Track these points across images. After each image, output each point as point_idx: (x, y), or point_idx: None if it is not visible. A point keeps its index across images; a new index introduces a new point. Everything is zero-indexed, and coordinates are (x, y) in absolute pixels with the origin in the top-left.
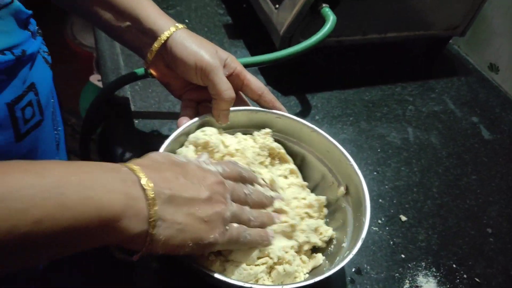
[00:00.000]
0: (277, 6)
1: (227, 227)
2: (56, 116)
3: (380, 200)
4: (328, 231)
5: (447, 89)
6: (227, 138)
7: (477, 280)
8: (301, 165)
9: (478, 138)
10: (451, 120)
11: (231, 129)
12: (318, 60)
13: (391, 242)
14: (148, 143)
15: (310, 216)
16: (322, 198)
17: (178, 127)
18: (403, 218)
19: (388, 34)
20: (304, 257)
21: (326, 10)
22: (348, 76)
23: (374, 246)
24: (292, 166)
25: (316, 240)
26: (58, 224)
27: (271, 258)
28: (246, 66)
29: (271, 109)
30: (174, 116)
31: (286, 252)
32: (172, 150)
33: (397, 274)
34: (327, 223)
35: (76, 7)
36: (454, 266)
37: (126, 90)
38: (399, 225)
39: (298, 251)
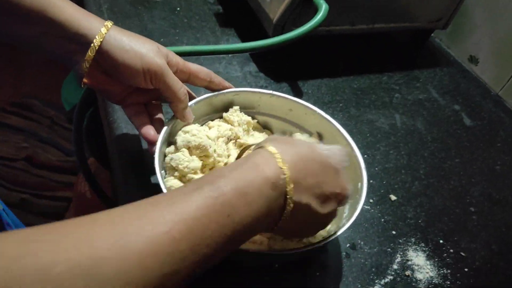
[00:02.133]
0: None
1: None
2: None
3: (371, 181)
4: None
5: (431, 79)
6: (206, 130)
7: (462, 254)
8: (271, 131)
9: (460, 124)
10: (435, 108)
11: (197, 121)
12: (309, 49)
13: (382, 220)
14: None
15: None
16: None
17: (145, 138)
18: (393, 197)
19: (376, 25)
20: None
21: None
22: (338, 64)
23: (367, 223)
24: (268, 132)
25: None
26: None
27: None
28: (238, 52)
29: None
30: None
31: None
32: (162, 151)
33: (389, 249)
34: None
35: None
36: (441, 241)
37: None
38: (389, 204)
39: None
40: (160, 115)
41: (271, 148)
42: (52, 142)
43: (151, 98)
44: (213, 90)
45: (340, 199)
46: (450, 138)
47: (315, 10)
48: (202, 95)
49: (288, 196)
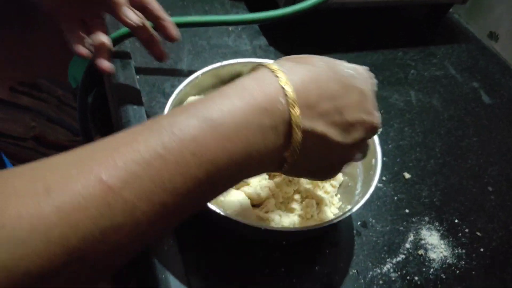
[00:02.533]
0: None
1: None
2: None
3: (384, 158)
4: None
5: (448, 55)
6: None
7: (478, 234)
8: None
9: (478, 102)
10: (452, 85)
11: (202, 93)
12: (321, 22)
13: (395, 198)
14: (151, 98)
15: None
16: None
17: (77, 53)
18: (407, 175)
19: None
20: (334, 182)
21: None
22: (350, 39)
23: (379, 201)
24: None
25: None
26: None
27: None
28: (250, 22)
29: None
30: (176, 73)
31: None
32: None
33: (402, 228)
34: None
35: None
36: (456, 221)
37: (126, 46)
38: (403, 182)
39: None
40: (100, 35)
41: (273, 66)
42: (60, 121)
43: (89, 11)
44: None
45: (368, 127)
46: (467, 116)
47: None
48: (208, 66)
49: (293, 123)
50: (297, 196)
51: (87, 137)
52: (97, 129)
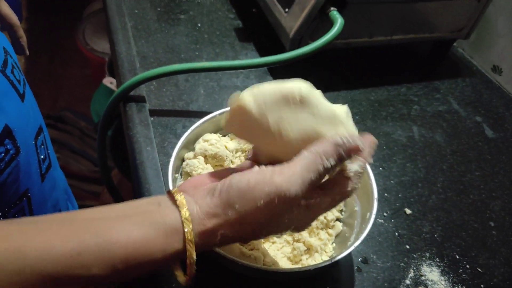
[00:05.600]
0: (286, 10)
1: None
2: (43, 143)
3: (386, 194)
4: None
5: (452, 90)
6: (227, 141)
7: (480, 270)
8: None
9: (481, 136)
10: (455, 119)
11: (222, 130)
12: (326, 62)
13: (396, 234)
14: (163, 139)
15: None
16: None
17: None
18: (408, 211)
19: (394, 36)
20: (331, 231)
21: (334, 13)
22: (355, 77)
23: (380, 237)
24: None
25: (338, 213)
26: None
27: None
28: (257, 66)
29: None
30: (187, 114)
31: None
32: (181, 155)
33: (402, 264)
34: None
35: None
36: (457, 256)
37: (142, 89)
38: (404, 218)
39: (325, 226)
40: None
41: (180, 201)
42: (82, 152)
43: None
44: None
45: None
46: (470, 151)
47: (331, 23)
48: (217, 106)
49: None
50: (289, 238)
51: (103, 170)
52: (115, 162)
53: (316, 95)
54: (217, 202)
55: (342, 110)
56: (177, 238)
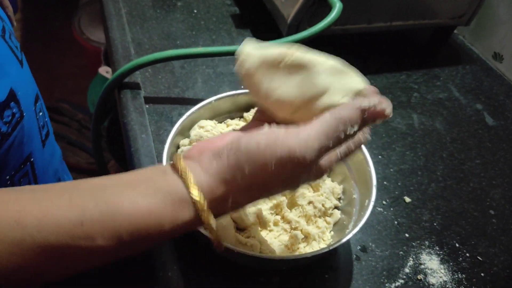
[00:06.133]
0: None
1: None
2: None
3: (385, 183)
4: (338, 189)
5: (452, 77)
6: (223, 128)
7: (480, 258)
8: None
9: (482, 124)
10: (456, 107)
11: (218, 117)
12: (324, 48)
13: (396, 222)
14: (159, 126)
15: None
16: None
17: None
18: (407, 199)
19: (394, 22)
20: (329, 219)
21: None
22: (353, 64)
23: (379, 225)
24: None
25: (336, 201)
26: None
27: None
28: None
29: None
30: (183, 101)
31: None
32: (176, 142)
33: (401, 252)
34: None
35: None
36: (457, 245)
37: (137, 76)
38: (403, 206)
39: (323, 214)
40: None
41: (182, 167)
42: (80, 145)
43: None
44: None
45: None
46: (471, 139)
47: (330, 8)
48: (214, 93)
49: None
50: (287, 226)
51: (99, 161)
52: (111, 152)
53: (310, 56)
54: (224, 166)
55: (338, 62)
56: (186, 208)
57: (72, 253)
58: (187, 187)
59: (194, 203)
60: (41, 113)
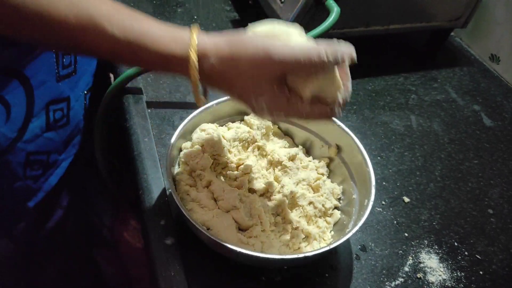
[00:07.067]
0: (283, 0)
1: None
2: None
3: (384, 183)
4: (338, 189)
5: (449, 79)
6: (224, 131)
7: (478, 257)
8: (291, 138)
9: (479, 125)
10: (453, 108)
11: (219, 120)
12: None
13: (395, 222)
14: (161, 130)
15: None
16: (323, 162)
17: None
18: (406, 199)
19: (391, 25)
20: (329, 219)
21: (330, 2)
22: (352, 66)
23: (379, 225)
24: (288, 139)
25: (336, 202)
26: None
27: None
28: None
29: None
30: (185, 106)
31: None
32: (179, 145)
33: (401, 251)
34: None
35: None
36: (455, 244)
37: (139, 82)
38: (402, 206)
39: (323, 214)
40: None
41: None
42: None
43: None
44: None
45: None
46: (468, 139)
47: (328, 13)
48: (215, 98)
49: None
50: (288, 226)
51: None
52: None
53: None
54: (220, 39)
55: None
56: (181, 44)
57: (96, 34)
58: (190, 36)
59: (190, 44)
60: None
